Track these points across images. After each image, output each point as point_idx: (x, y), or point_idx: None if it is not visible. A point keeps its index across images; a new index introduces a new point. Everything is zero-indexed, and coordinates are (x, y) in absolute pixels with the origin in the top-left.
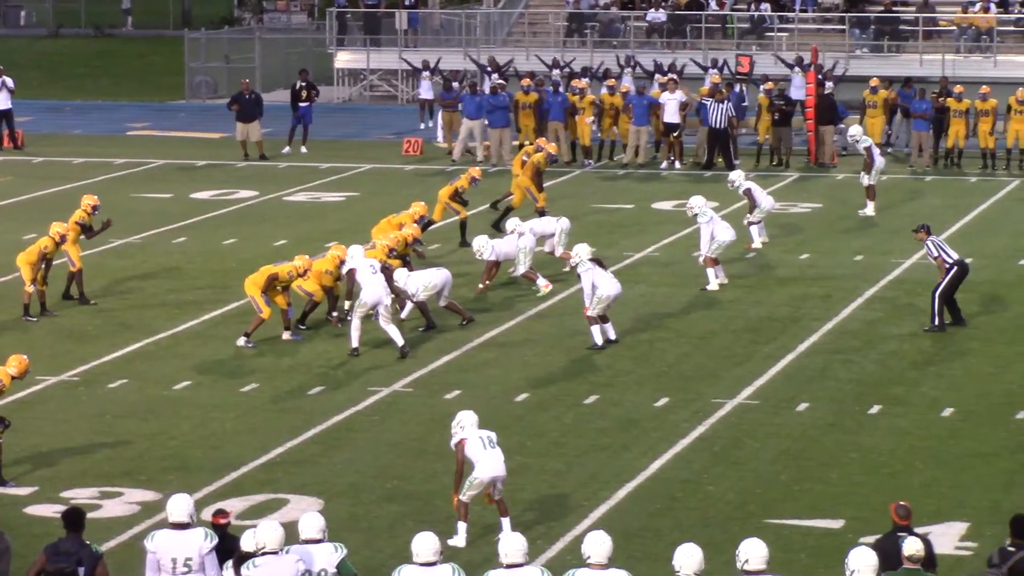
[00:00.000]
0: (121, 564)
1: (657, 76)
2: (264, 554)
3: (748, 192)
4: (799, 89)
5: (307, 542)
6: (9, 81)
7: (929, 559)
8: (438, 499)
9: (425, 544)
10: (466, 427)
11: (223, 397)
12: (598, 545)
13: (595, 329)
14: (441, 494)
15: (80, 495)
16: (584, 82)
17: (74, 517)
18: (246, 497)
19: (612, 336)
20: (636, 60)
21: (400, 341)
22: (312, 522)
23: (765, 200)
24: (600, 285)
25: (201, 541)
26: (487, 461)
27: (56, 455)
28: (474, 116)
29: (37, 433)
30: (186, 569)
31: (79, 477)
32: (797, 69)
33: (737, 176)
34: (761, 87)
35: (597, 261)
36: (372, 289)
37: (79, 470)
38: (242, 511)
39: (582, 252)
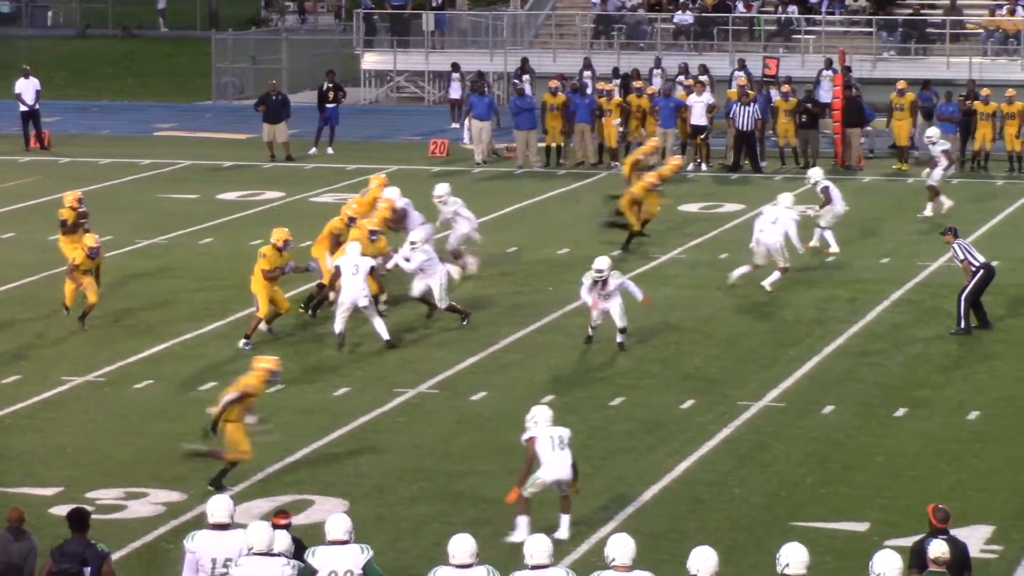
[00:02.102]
0: (147, 564)
1: (680, 78)
2: (251, 554)
3: (825, 190)
4: (828, 92)
5: (333, 543)
6: (36, 81)
7: (963, 563)
8: (464, 500)
9: (462, 546)
10: (539, 423)
11: None
12: (622, 547)
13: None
14: (467, 495)
15: (105, 496)
16: (611, 84)
17: (78, 517)
18: (271, 498)
19: (620, 338)
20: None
21: (385, 335)
22: (339, 523)
23: (839, 203)
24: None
25: (241, 543)
26: (552, 463)
27: (81, 456)
28: (484, 117)
29: (62, 433)
30: (225, 570)
31: (104, 478)
32: (827, 72)
33: (815, 173)
34: (779, 90)
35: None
36: (348, 290)
37: (104, 471)
38: (268, 512)
39: (598, 263)
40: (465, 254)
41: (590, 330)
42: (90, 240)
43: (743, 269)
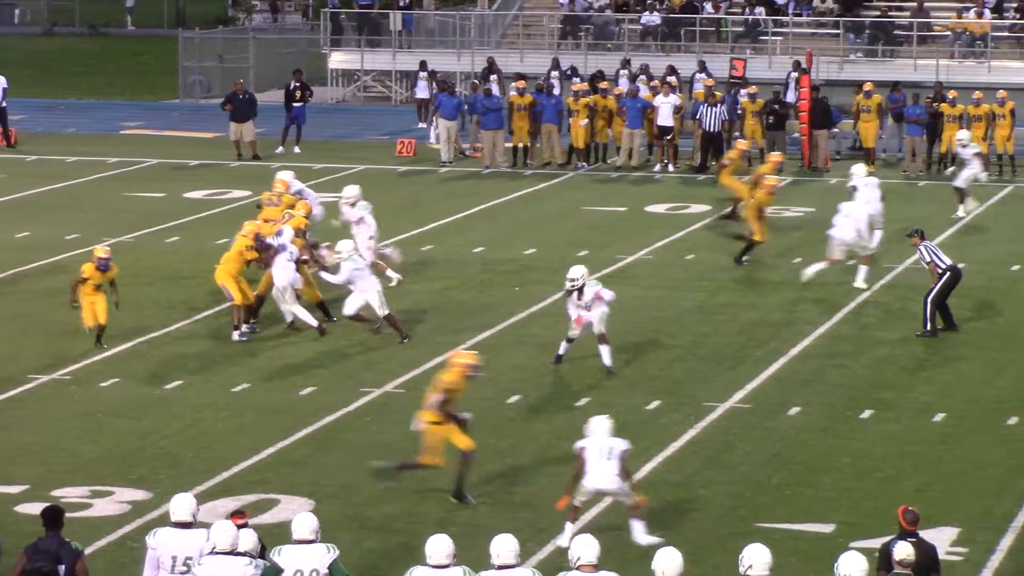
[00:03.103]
0: (112, 562)
1: (641, 78)
2: (214, 553)
3: (854, 190)
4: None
5: (299, 542)
6: (3, 79)
7: (931, 565)
8: (429, 500)
9: (439, 546)
10: (592, 433)
11: (214, 397)
12: (587, 547)
13: (564, 345)
14: (433, 496)
15: (71, 494)
16: (582, 84)
17: (53, 515)
18: (237, 497)
19: (607, 360)
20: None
21: (313, 322)
22: (305, 523)
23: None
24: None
25: (203, 542)
26: (595, 473)
27: (47, 453)
28: (452, 117)
29: (28, 431)
30: (185, 568)
31: (70, 476)
32: (795, 74)
33: (858, 170)
34: (743, 92)
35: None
36: (281, 275)
37: (70, 469)
38: (233, 511)
39: (575, 273)
40: (387, 253)
41: (562, 346)
42: (100, 251)
43: (819, 266)
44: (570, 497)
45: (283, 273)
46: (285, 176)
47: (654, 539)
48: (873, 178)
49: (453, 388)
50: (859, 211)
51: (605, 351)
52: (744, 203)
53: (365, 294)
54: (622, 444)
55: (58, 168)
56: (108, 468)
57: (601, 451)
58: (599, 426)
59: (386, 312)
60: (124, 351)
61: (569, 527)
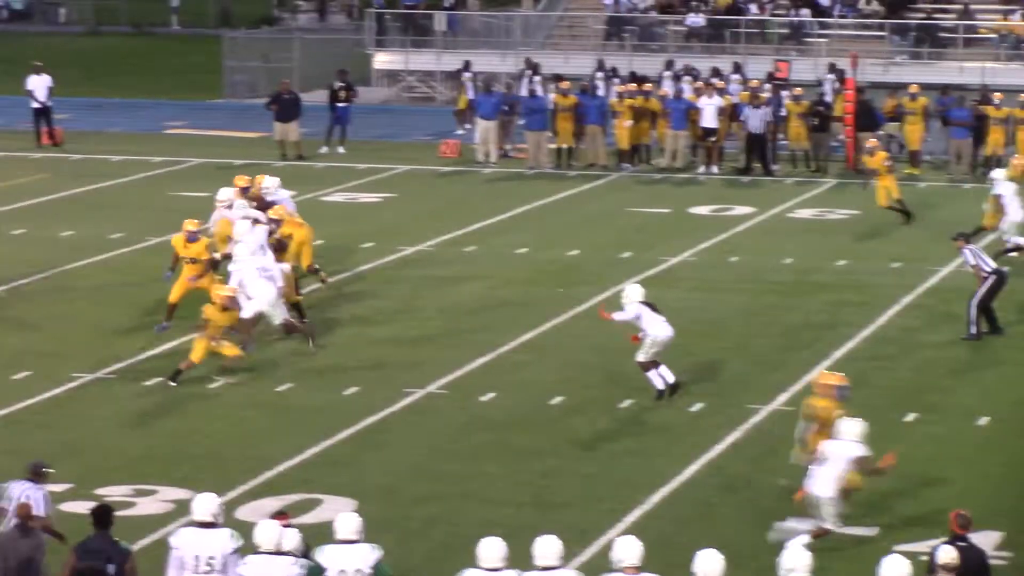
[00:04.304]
0: (156, 562)
1: (686, 78)
2: (259, 553)
3: (998, 199)
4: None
5: (343, 542)
6: (48, 78)
7: (979, 570)
8: (472, 501)
9: (491, 550)
10: (838, 435)
11: (258, 396)
12: (630, 549)
13: (651, 375)
14: (475, 496)
15: (114, 492)
16: (626, 85)
17: (102, 514)
18: (280, 497)
19: (672, 379)
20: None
21: (299, 325)
22: (349, 522)
23: (1016, 212)
24: (651, 329)
25: (225, 541)
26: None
27: (91, 452)
28: (490, 116)
29: (72, 430)
30: (208, 568)
31: (113, 474)
32: (829, 76)
33: (998, 175)
34: (787, 93)
35: (650, 305)
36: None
37: (114, 467)
38: (276, 511)
39: (633, 294)
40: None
41: (658, 383)
42: (189, 224)
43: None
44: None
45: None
46: (269, 182)
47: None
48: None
49: (823, 415)
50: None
51: (665, 369)
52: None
53: (255, 303)
54: (855, 451)
55: (103, 167)
56: (152, 467)
57: (831, 454)
58: (848, 429)
59: (279, 320)
60: (168, 350)
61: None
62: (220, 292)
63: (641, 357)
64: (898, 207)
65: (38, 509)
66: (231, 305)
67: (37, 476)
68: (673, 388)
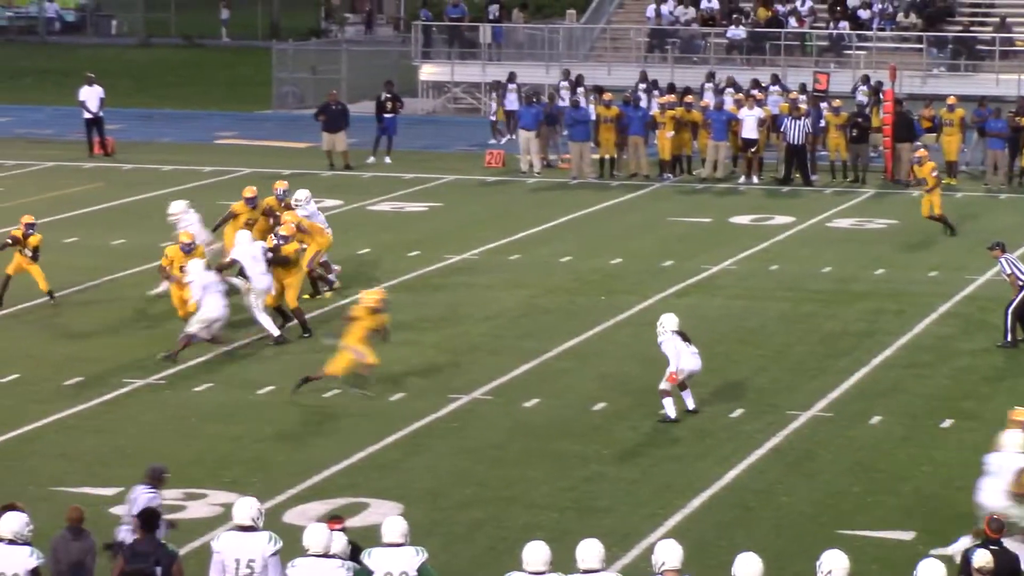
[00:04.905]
0: (205, 564)
1: (729, 90)
2: (307, 556)
3: None
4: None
5: (389, 545)
6: (100, 89)
7: (1014, 573)
8: (516, 506)
9: (536, 554)
10: (1002, 448)
11: (306, 402)
12: (670, 553)
13: (667, 401)
14: (520, 501)
15: (164, 496)
16: (669, 96)
17: (149, 518)
18: (327, 500)
19: (691, 406)
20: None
21: (275, 331)
22: (395, 526)
23: None
24: (680, 359)
25: (265, 544)
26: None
27: (141, 456)
28: (530, 127)
29: (122, 434)
30: (249, 571)
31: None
32: (863, 87)
33: None
34: (826, 105)
35: (681, 334)
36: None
37: None
38: (322, 515)
39: (668, 323)
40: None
41: (671, 412)
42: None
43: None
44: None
45: (261, 279)
46: (301, 194)
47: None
48: None
49: None
50: None
51: (687, 395)
52: None
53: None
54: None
55: (153, 177)
56: (201, 471)
57: (997, 466)
58: (1013, 441)
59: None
60: (218, 357)
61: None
62: (371, 295)
63: (665, 387)
64: (939, 219)
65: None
66: (381, 307)
67: (155, 481)
68: (692, 412)
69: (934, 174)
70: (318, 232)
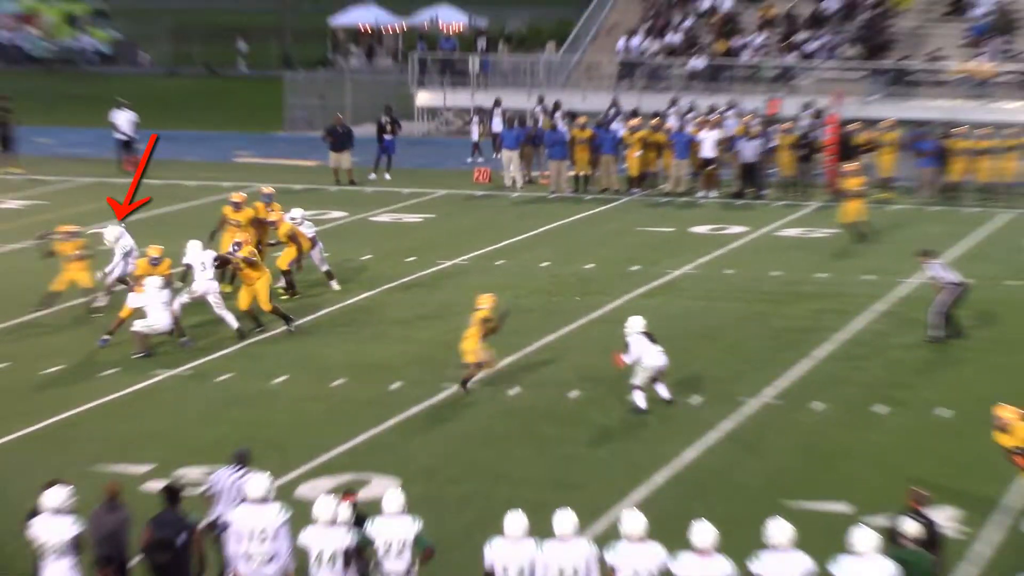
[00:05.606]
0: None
1: (689, 115)
2: (317, 524)
3: None
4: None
5: (389, 516)
6: (133, 114)
7: (933, 539)
8: (502, 481)
9: (516, 523)
10: None
11: (315, 390)
12: (635, 522)
13: (637, 394)
14: (505, 477)
15: (190, 474)
16: (636, 120)
17: (172, 492)
18: (334, 476)
19: (666, 396)
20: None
21: (234, 324)
22: (394, 499)
23: None
24: (647, 359)
25: (275, 515)
26: None
27: (170, 438)
28: (512, 147)
29: (154, 420)
30: (262, 538)
31: (190, 457)
32: (806, 112)
33: None
34: (778, 127)
35: (648, 335)
36: (199, 283)
37: (190, 452)
38: (333, 488)
39: (633, 325)
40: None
41: (640, 403)
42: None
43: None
44: None
45: (199, 282)
46: (296, 212)
47: None
48: None
49: None
50: None
51: (661, 387)
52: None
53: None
54: None
55: (180, 191)
56: (223, 452)
57: None
58: None
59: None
60: (236, 350)
61: None
62: (486, 299)
63: (636, 382)
64: (855, 228)
65: (239, 492)
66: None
67: (242, 462)
68: (668, 402)
69: (860, 188)
70: (303, 239)
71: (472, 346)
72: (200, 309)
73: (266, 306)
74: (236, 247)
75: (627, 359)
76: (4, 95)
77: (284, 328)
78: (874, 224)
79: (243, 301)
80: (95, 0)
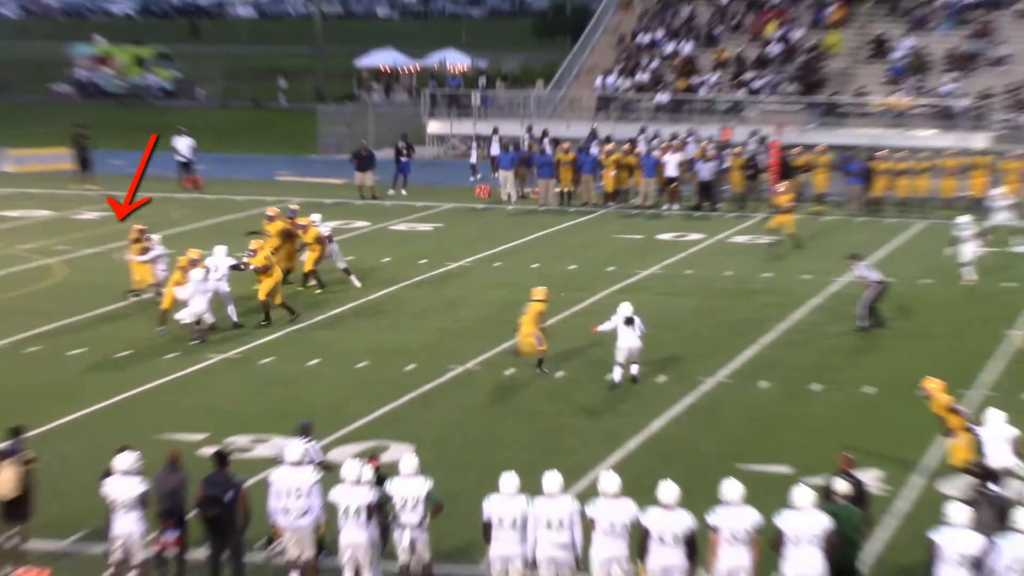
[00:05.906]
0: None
1: (654, 141)
2: (344, 484)
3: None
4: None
5: (405, 476)
6: (192, 140)
7: (861, 496)
8: (498, 448)
9: (509, 482)
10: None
11: (342, 372)
12: (611, 481)
13: (615, 369)
14: (501, 443)
15: (238, 441)
16: (610, 145)
17: (221, 456)
18: (359, 443)
19: (635, 372)
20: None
21: (234, 318)
22: (409, 462)
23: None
24: (622, 340)
25: (309, 476)
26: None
27: (221, 412)
28: (507, 167)
29: (209, 395)
30: (298, 495)
31: (238, 427)
32: (754, 138)
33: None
34: (729, 151)
35: (629, 320)
36: (211, 282)
37: (238, 423)
38: (358, 453)
39: (621, 310)
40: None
41: (616, 376)
42: (193, 253)
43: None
44: None
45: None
46: (315, 216)
47: None
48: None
49: None
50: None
51: (633, 367)
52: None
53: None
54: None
55: (231, 204)
56: (266, 422)
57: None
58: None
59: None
60: (277, 338)
61: None
62: (539, 291)
63: (617, 359)
64: (780, 234)
65: (314, 456)
66: (545, 300)
67: (306, 432)
68: (633, 380)
69: (788, 204)
70: (322, 242)
71: (531, 330)
72: (248, 304)
73: (261, 296)
74: (251, 254)
75: (600, 328)
76: (83, 124)
77: (262, 322)
78: (809, 232)
79: (262, 293)
80: (160, 45)
